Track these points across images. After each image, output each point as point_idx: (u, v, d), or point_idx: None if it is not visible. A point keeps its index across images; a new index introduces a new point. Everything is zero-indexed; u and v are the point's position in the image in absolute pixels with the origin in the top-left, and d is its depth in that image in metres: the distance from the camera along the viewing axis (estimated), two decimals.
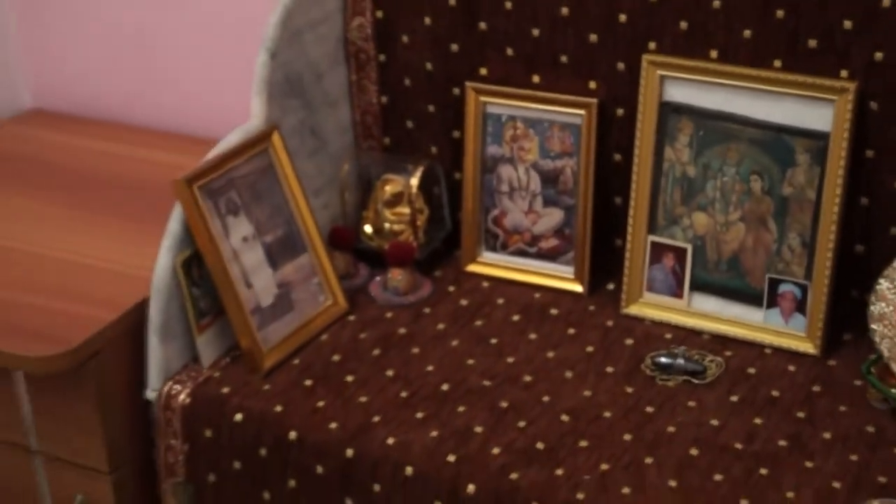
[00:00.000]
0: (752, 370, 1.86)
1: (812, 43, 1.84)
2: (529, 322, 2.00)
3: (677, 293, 1.98)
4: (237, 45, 2.30)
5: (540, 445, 1.72)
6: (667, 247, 1.98)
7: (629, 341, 1.94)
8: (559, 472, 1.67)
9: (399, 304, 2.05)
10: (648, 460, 1.68)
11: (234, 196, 1.94)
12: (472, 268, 2.13)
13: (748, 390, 1.82)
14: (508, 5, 2.02)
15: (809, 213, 1.87)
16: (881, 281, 1.77)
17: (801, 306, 1.90)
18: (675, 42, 1.93)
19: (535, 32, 2.02)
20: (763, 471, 1.66)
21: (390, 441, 1.75)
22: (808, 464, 1.67)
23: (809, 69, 1.85)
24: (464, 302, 2.06)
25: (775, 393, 1.81)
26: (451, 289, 2.10)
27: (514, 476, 1.67)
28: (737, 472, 1.66)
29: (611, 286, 2.06)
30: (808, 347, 1.88)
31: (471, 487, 1.68)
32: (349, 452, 1.76)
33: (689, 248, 1.97)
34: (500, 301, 2.05)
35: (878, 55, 1.80)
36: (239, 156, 1.96)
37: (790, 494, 1.61)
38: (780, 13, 1.84)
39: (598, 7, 1.97)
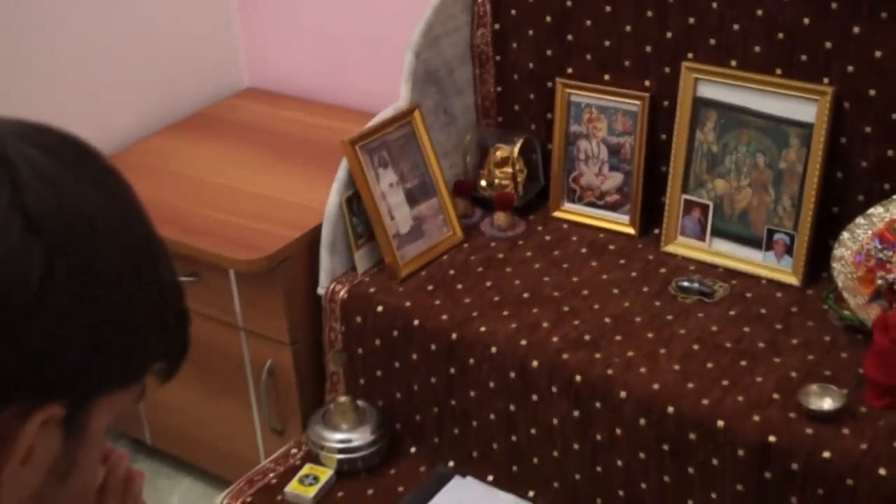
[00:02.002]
0: (749, 294, 1.99)
1: (803, 57, 1.96)
2: (593, 254, 2.14)
3: (701, 237, 2.09)
4: (392, 46, 2.39)
5: (587, 337, 1.90)
6: (695, 203, 2.09)
7: (663, 270, 2.07)
8: (597, 355, 1.86)
9: (500, 237, 2.19)
10: (662, 351, 1.86)
11: (385, 154, 2.10)
12: (557, 214, 2.25)
13: (744, 308, 1.95)
14: (588, 23, 2.15)
15: (798, 182, 1.98)
16: (844, 233, 1.89)
17: (789, 250, 2.01)
18: (706, 54, 2.05)
19: (607, 44, 2.15)
20: (743, 363, 1.82)
21: (482, 329, 1.94)
22: (777, 359, 1.82)
23: (801, 76, 1.96)
24: (548, 238, 2.19)
25: (763, 311, 1.94)
26: (540, 228, 2.23)
27: (565, 356, 1.87)
28: (724, 362, 1.83)
29: (655, 230, 2.15)
30: (793, 280, 2.00)
31: (535, 363, 1.88)
32: (454, 336, 1.96)
33: (711, 205, 2.07)
34: (574, 238, 2.19)
35: (850, 68, 1.92)
36: (389, 126, 2.11)
37: (759, 379, 1.78)
38: (780, 35, 1.97)
39: (652, 27, 2.10)
